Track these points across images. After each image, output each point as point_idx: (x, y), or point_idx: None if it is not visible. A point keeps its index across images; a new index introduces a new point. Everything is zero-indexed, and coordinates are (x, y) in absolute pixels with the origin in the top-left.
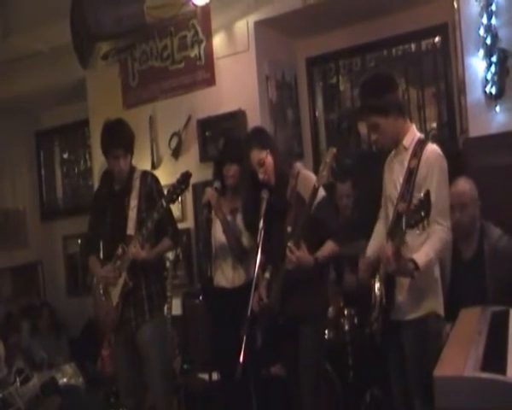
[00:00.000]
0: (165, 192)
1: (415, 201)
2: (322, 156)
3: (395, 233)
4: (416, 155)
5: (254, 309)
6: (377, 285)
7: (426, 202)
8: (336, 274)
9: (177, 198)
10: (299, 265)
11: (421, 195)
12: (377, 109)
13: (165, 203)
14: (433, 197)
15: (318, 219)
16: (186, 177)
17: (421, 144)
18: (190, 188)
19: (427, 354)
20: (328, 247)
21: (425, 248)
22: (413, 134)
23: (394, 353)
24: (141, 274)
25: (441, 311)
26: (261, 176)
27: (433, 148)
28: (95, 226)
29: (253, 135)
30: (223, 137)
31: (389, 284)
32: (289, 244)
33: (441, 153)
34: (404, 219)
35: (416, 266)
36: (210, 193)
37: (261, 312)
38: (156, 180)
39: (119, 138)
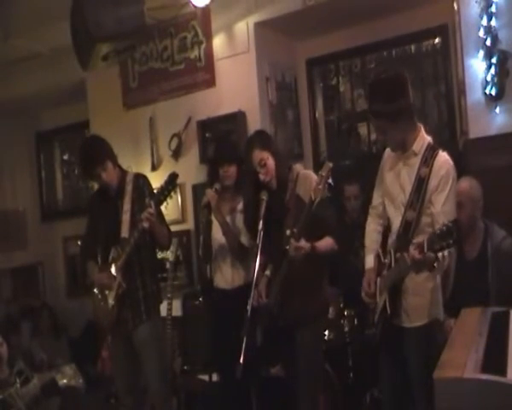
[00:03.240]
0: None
1: (437, 224)
2: (319, 170)
3: (403, 242)
4: (427, 163)
5: (254, 304)
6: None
7: (454, 230)
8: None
9: (165, 199)
10: (299, 251)
11: (449, 222)
12: (386, 115)
13: (153, 205)
14: (442, 208)
15: (318, 216)
16: (173, 178)
17: (431, 151)
18: (190, 189)
19: (431, 361)
20: (326, 241)
21: None
22: (423, 139)
23: (391, 356)
24: (136, 275)
25: (442, 317)
26: (262, 177)
27: (445, 158)
28: (91, 231)
29: (255, 136)
30: (216, 141)
31: (394, 292)
32: (292, 243)
33: (452, 163)
34: (425, 242)
35: (436, 257)
36: (210, 194)
37: (261, 309)
38: (148, 183)
39: (89, 159)
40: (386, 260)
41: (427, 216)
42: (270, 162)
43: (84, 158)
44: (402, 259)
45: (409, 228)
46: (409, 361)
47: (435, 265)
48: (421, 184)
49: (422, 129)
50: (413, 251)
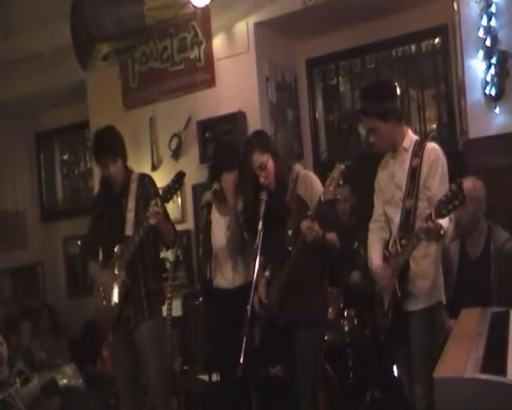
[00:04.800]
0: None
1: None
2: (330, 172)
3: (406, 230)
4: (417, 155)
5: (256, 312)
6: None
7: (459, 192)
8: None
9: (172, 197)
10: (316, 236)
11: (453, 185)
12: (377, 114)
13: (159, 203)
14: (438, 190)
15: (321, 215)
16: (180, 176)
17: (420, 144)
18: (190, 189)
19: (434, 341)
20: (332, 236)
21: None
22: (411, 137)
23: (402, 345)
24: (140, 273)
25: (444, 300)
26: (262, 180)
27: (432, 146)
28: (94, 229)
29: (254, 138)
30: (214, 145)
31: (402, 277)
32: (307, 222)
33: (441, 149)
34: (433, 211)
35: (441, 227)
36: (227, 178)
37: (262, 312)
38: (153, 182)
39: (105, 147)
40: (392, 250)
41: (423, 201)
42: (270, 165)
43: (100, 143)
44: (409, 239)
45: (409, 215)
46: (412, 342)
47: (442, 233)
48: (414, 173)
49: (410, 130)
50: (421, 222)
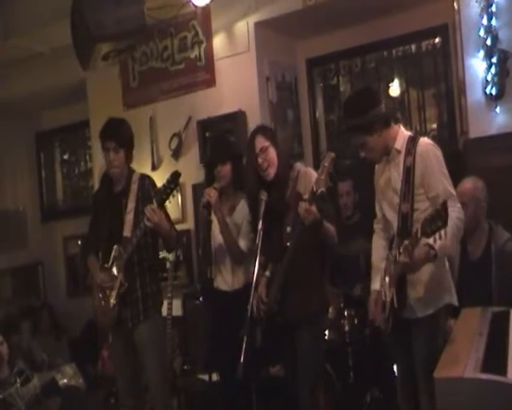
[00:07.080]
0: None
1: (426, 207)
2: (321, 161)
3: (403, 235)
4: (410, 153)
5: (254, 313)
6: (386, 287)
7: (443, 212)
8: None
9: (168, 198)
10: (314, 218)
11: (438, 205)
12: (361, 129)
13: (155, 203)
14: (439, 188)
15: (317, 208)
16: (175, 176)
17: (412, 141)
18: (190, 189)
19: (437, 349)
20: (331, 226)
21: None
22: (402, 135)
23: (402, 351)
24: (137, 275)
25: (455, 301)
26: (260, 160)
27: (424, 141)
28: (94, 228)
29: (260, 127)
30: (209, 142)
31: (400, 285)
32: (304, 204)
33: (432, 143)
34: (419, 229)
35: (432, 248)
36: (211, 192)
37: (262, 312)
38: (153, 184)
39: (111, 132)
40: (391, 257)
41: (422, 202)
42: (271, 151)
43: (107, 127)
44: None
45: (406, 219)
46: (413, 352)
47: (432, 252)
48: (408, 173)
49: (401, 127)
50: (401, 257)
